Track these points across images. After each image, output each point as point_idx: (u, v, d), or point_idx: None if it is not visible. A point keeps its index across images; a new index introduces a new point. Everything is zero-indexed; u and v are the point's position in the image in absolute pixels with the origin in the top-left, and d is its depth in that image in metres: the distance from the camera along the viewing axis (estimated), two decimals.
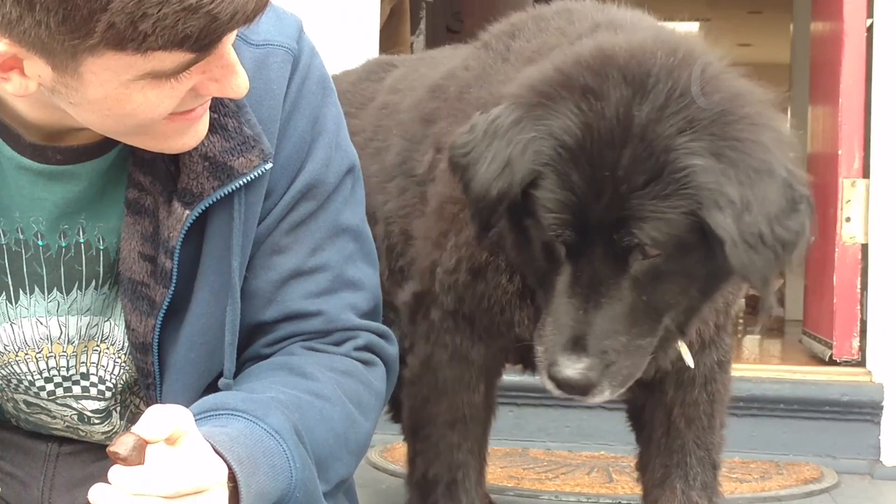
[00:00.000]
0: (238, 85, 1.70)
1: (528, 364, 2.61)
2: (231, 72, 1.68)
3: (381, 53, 5.36)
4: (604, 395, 2.02)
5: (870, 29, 4.66)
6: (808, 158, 6.14)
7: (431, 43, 6.20)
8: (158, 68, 1.58)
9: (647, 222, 1.92)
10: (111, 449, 1.49)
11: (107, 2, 1.48)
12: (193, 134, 1.77)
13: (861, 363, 4.57)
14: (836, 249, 4.66)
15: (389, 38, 5.82)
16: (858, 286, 4.64)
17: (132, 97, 1.62)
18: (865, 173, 4.62)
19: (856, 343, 4.63)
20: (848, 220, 4.63)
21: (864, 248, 4.62)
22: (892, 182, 4.48)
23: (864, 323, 4.61)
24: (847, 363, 4.61)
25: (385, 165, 2.72)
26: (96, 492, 1.50)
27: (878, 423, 4.34)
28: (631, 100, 1.96)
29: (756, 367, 4.80)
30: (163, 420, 1.51)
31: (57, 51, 1.55)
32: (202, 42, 1.56)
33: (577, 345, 1.98)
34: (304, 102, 1.94)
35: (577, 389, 1.99)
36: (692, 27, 14.03)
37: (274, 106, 1.90)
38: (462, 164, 2.12)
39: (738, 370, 4.51)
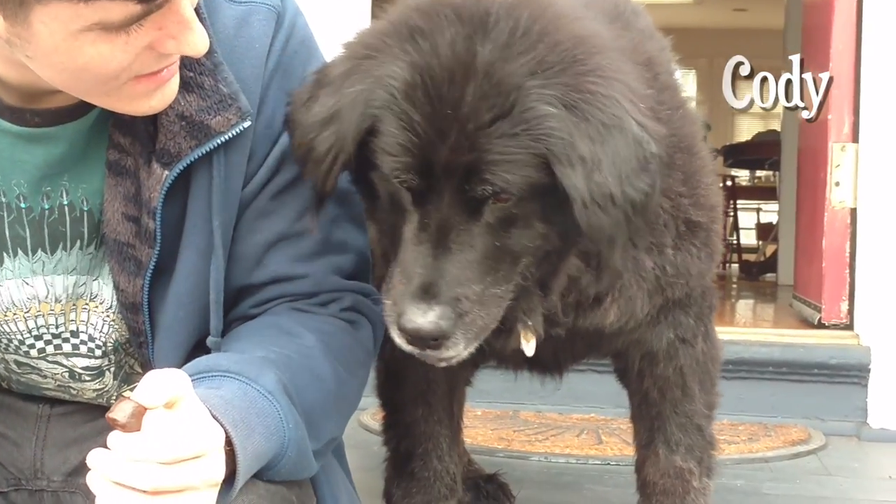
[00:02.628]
0: (195, 42, 1.68)
1: (499, 361, 2.62)
2: (187, 28, 1.66)
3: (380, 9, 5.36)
4: (458, 348, 1.88)
5: None
6: (800, 124, 6.15)
7: None
8: (106, 19, 1.57)
9: (498, 165, 1.81)
10: (109, 415, 1.50)
11: None
12: (161, 97, 1.75)
13: (849, 326, 4.60)
14: (826, 214, 4.68)
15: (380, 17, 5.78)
16: (847, 250, 4.64)
17: (83, 49, 1.61)
18: (855, 138, 4.62)
19: (844, 307, 4.64)
20: (837, 184, 4.64)
21: (853, 212, 4.63)
22: (882, 147, 4.49)
23: (852, 287, 4.62)
24: (835, 326, 4.64)
25: None
26: (95, 457, 1.51)
27: (866, 386, 4.37)
28: (470, 37, 1.85)
29: (745, 330, 4.84)
30: (160, 386, 1.51)
31: None
32: None
33: (428, 293, 1.85)
34: (286, 61, 1.94)
35: (429, 340, 1.85)
36: None
37: (256, 64, 1.89)
38: (291, 120, 1.97)
39: (728, 334, 4.57)
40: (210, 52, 1.80)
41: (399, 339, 1.89)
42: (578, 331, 2.29)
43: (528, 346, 2.16)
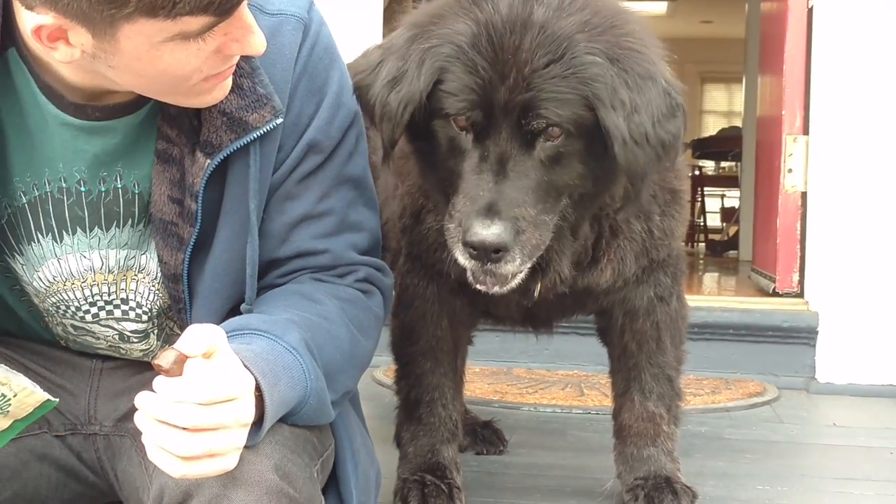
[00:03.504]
0: (257, 43, 1.71)
1: (497, 320, 2.65)
2: (249, 31, 1.69)
3: (388, 28, 5.34)
4: (514, 263, 1.92)
5: (810, 9, 4.66)
6: (758, 119, 6.15)
7: None
8: (186, 30, 1.59)
9: (551, 102, 1.88)
10: (155, 361, 1.51)
11: None
12: (221, 89, 1.78)
13: (800, 295, 4.61)
14: (780, 197, 4.68)
15: (392, 21, 5.76)
16: (799, 229, 4.65)
17: (163, 58, 1.63)
18: (805, 131, 4.62)
19: (795, 277, 4.65)
20: (790, 171, 4.64)
21: (804, 195, 4.63)
22: (829, 138, 4.49)
23: (803, 260, 4.62)
24: (788, 294, 4.65)
25: None
26: (142, 398, 1.52)
27: (814, 346, 4.39)
28: (526, 1, 1.92)
29: (710, 298, 4.86)
30: (200, 337, 1.53)
31: (96, 20, 1.55)
32: (224, 6, 1.58)
33: (491, 211, 1.90)
34: (312, 66, 1.93)
35: (490, 253, 1.89)
36: (661, 6, 13.95)
37: (286, 68, 1.89)
38: (361, 85, 2.03)
39: (695, 301, 4.56)
40: (248, 58, 1.82)
41: (462, 257, 1.94)
42: (574, 290, 2.32)
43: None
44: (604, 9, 1.96)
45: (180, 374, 1.51)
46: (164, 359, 1.51)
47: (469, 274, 2.02)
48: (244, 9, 1.66)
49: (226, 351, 1.56)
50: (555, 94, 1.88)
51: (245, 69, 1.82)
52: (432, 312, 2.44)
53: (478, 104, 1.92)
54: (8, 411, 1.72)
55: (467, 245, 1.90)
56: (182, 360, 1.52)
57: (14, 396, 1.70)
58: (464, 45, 1.92)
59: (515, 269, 1.94)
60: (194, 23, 1.58)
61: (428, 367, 2.49)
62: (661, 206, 2.31)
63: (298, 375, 1.72)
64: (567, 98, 1.89)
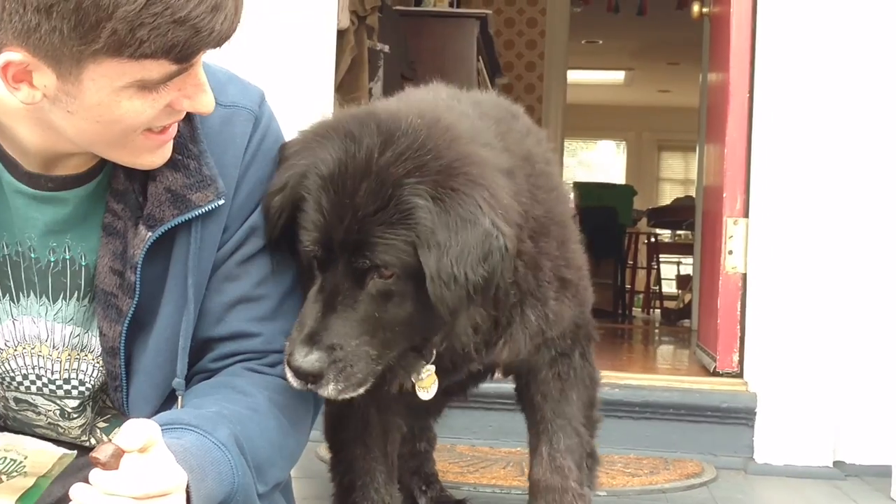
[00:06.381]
0: (207, 102, 1.83)
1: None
2: (201, 90, 1.80)
3: (344, 99, 5.44)
4: (329, 387, 2.05)
5: (752, 84, 4.70)
6: (704, 191, 6.25)
7: (388, 89, 6.24)
8: (146, 77, 1.69)
9: (377, 246, 2.02)
10: (93, 455, 1.60)
11: (112, 11, 1.60)
12: (161, 154, 1.88)
13: (739, 375, 4.66)
14: (721, 277, 4.75)
15: (351, 84, 5.88)
16: (738, 309, 4.71)
17: (121, 104, 1.72)
18: (746, 213, 4.70)
19: (735, 357, 4.71)
20: (731, 252, 4.72)
21: (744, 277, 4.69)
22: (768, 221, 4.58)
23: (742, 341, 4.68)
24: (728, 374, 4.70)
25: None
26: (77, 490, 1.60)
27: (752, 427, 4.44)
28: (378, 146, 2.06)
29: (651, 377, 4.85)
30: (138, 433, 1.62)
31: (65, 57, 1.65)
32: (185, 52, 1.68)
33: (311, 340, 2.02)
34: (261, 156, 2.06)
35: (306, 377, 2.03)
36: (619, 75, 14.19)
37: (236, 155, 2.01)
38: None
39: (637, 380, 4.66)
40: (197, 141, 1.94)
41: (289, 375, 2.05)
42: (482, 363, 2.50)
43: (426, 393, 2.35)
44: (447, 154, 2.08)
45: (116, 468, 1.60)
46: (103, 453, 1.60)
47: None
48: (199, 66, 1.77)
49: (160, 446, 1.65)
50: (380, 239, 2.02)
51: (193, 152, 1.93)
52: (359, 401, 2.52)
53: (319, 241, 2.06)
54: (26, 472, 1.83)
55: (289, 367, 2.04)
56: (119, 454, 1.60)
57: (25, 458, 1.80)
58: (319, 181, 2.07)
59: (334, 393, 2.07)
60: (156, 69, 1.68)
61: (358, 452, 2.58)
62: (554, 292, 2.43)
63: (226, 471, 1.80)
64: (392, 242, 2.02)
